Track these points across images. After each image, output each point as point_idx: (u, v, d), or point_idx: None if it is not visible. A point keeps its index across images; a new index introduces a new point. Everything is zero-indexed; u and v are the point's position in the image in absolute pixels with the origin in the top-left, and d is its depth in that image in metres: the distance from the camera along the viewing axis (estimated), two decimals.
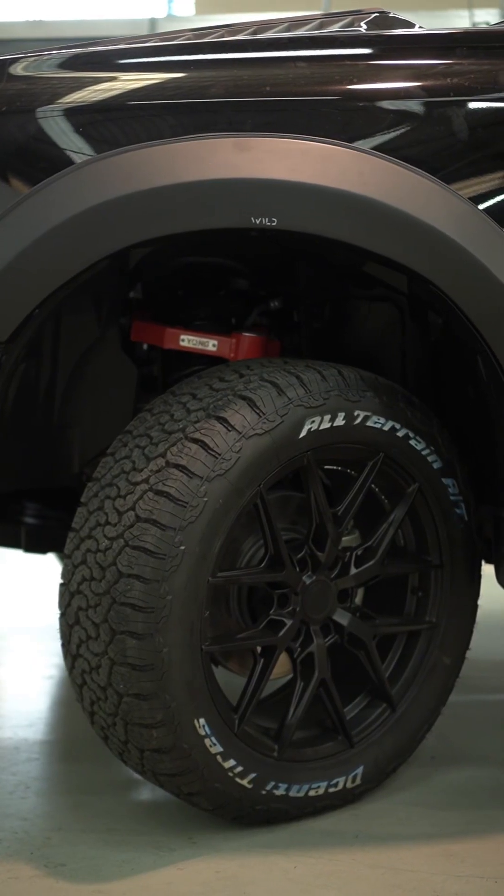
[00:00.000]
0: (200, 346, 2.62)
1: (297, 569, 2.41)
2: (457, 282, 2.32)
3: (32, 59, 2.38)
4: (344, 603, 2.50)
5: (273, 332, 2.77)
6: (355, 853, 2.31)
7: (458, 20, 13.81)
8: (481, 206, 2.33)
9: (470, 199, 2.33)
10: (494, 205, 2.34)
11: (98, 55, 2.43)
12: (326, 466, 2.49)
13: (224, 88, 2.34)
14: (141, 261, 2.65)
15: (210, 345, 2.62)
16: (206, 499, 2.22)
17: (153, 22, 13.49)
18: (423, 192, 2.30)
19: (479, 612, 2.62)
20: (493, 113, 2.36)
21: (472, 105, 2.36)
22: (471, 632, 2.62)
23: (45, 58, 2.39)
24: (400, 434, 2.45)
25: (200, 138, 2.26)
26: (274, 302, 2.76)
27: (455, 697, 2.92)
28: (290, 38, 2.47)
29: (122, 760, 2.36)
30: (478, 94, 2.36)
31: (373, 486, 2.52)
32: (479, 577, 2.62)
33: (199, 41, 2.54)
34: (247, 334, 2.62)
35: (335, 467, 2.51)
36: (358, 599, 2.59)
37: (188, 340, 2.62)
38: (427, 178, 2.30)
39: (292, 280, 2.73)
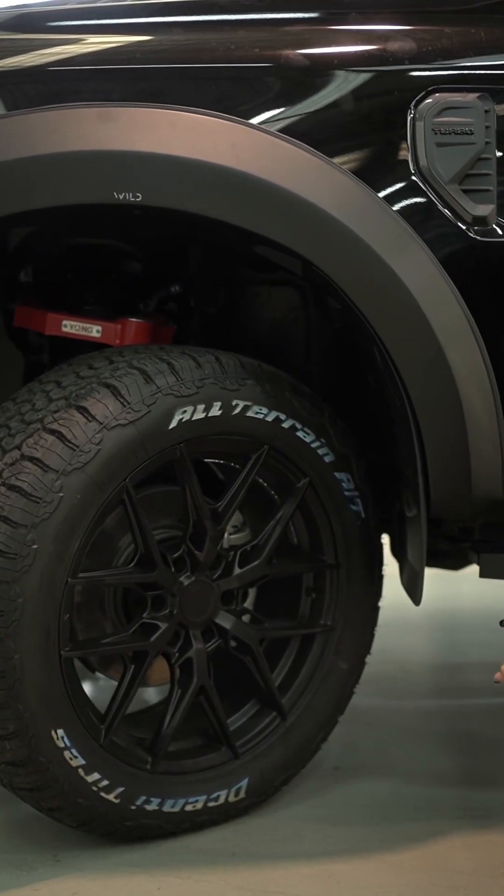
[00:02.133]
0: (84, 332, 2.47)
1: (173, 569, 2.26)
2: (337, 262, 2.17)
3: None
4: (228, 605, 2.35)
5: (173, 319, 2.62)
6: (227, 873, 2.16)
7: None
8: (366, 181, 2.17)
9: (354, 173, 2.17)
10: (380, 179, 2.18)
11: None
12: (210, 460, 2.34)
13: (92, 56, 2.19)
14: (25, 242, 2.51)
15: (94, 331, 2.46)
16: (61, 494, 2.07)
17: None
18: (299, 166, 2.14)
19: (393, 612, 2.47)
20: (379, 83, 2.20)
21: (358, 75, 2.20)
22: (371, 635, 2.47)
23: None
24: (285, 425, 2.29)
25: (62, 108, 2.11)
26: (175, 286, 2.61)
27: (367, 702, 2.79)
28: (166, 3, 2.31)
29: None
30: (363, 63, 2.20)
31: (261, 480, 2.37)
32: (381, 577, 2.47)
33: (76, 7, 2.39)
34: (133, 319, 2.46)
35: (219, 461, 2.36)
36: (249, 601, 2.45)
37: (71, 326, 2.47)
38: (306, 151, 2.15)
39: (184, 263, 2.58)
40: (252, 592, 2.46)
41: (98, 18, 2.27)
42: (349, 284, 2.19)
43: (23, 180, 2.08)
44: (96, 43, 2.20)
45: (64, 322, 2.46)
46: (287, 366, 2.53)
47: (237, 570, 2.33)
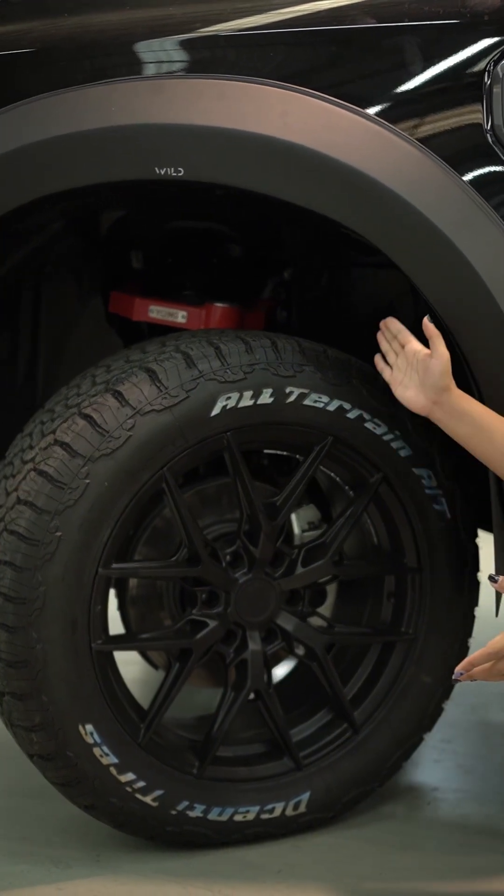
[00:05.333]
0: (170, 318, 2.39)
1: (224, 564, 2.14)
2: (396, 240, 1.99)
3: None
4: (293, 606, 2.21)
5: (284, 305, 2.51)
6: (262, 890, 2.02)
7: None
8: (433, 149, 1.99)
9: (419, 140, 1.99)
10: (449, 147, 1.99)
11: None
12: (269, 451, 2.22)
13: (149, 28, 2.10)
14: (120, 226, 2.46)
15: (179, 316, 2.38)
16: (87, 480, 1.99)
17: None
18: (358, 134, 1.98)
19: None
20: (451, 41, 2.01)
21: (428, 32, 2.01)
22: (464, 647, 2.26)
23: None
24: (351, 415, 2.13)
25: (113, 83, 2.04)
26: (288, 271, 2.50)
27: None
28: None
29: None
30: (434, 19, 2.01)
31: (333, 475, 2.22)
32: (474, 583, 2.27)
33: None
34: (218, 304, 2.36)
35: (280, 452, 2.22)
36: (329, 605, 2.30)
37: (157, 311, 2.39)
38: (365, 118, 1.98)
39: (281, 245, 2.45)
40: (332, 596, 2.32)
41: None
42: (411, 266, 2.01)
43: (61, 158, 2.02)
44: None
45: (151, 307, 2.39)
46: None
47: (300, 569, 2.19)
